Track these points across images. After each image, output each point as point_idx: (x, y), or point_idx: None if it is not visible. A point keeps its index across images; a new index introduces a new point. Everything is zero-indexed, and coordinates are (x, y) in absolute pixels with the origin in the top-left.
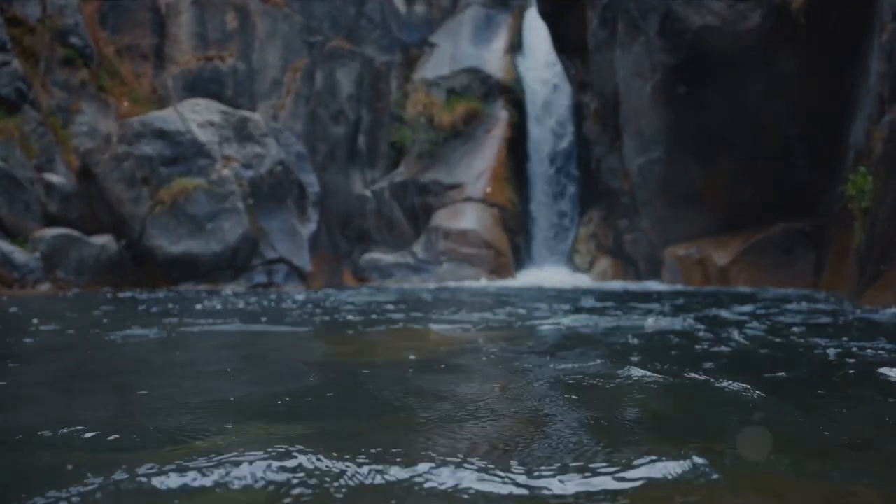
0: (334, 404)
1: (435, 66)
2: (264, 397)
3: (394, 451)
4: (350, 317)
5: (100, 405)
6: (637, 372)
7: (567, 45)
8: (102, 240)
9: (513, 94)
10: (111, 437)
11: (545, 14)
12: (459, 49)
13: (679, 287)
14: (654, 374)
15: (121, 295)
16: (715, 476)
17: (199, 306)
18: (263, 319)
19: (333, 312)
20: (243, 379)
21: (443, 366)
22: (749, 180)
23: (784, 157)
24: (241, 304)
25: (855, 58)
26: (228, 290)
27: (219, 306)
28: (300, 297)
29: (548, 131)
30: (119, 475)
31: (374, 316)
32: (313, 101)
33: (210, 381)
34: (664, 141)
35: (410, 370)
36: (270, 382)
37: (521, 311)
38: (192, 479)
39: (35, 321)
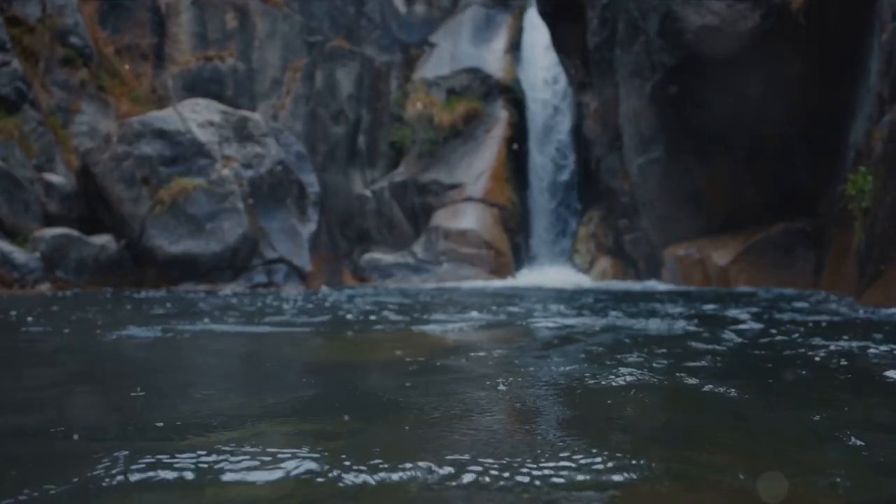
0: (333, 404)
1: (435, 65)
2: (262, 397)
3: (391, 448)
4: (349, 316)
5: (97, 405)
6: (629, 374)
7: (567, 45)
8: (102, 240)
9: (513, 93)
10: (108, 435)
11: (545, 14)
12: (459, 49)
13: (679, 287)
14: (647, 376)
15: (120, 295)
16: (688, 482)
17: (198, 306)
18: (262, 320)
19: (333, 313)
20: (240, 379)
21: (439, 365)
22: (749, 180)
23: (784, 157)
24: (240, 305)
25: (855, 57)
26: (228, 290)
27: (218, 306)
28: (300, 298)
29: (548, 160)
30: (118, 470)
31: (373, 316)
32: (313, 101)
33: (207, 382)
34: (664, 141)
35: (407, 371)
36: (269, 382)
37: (520, 310)
38: (193, 474)
39: (30, 320)
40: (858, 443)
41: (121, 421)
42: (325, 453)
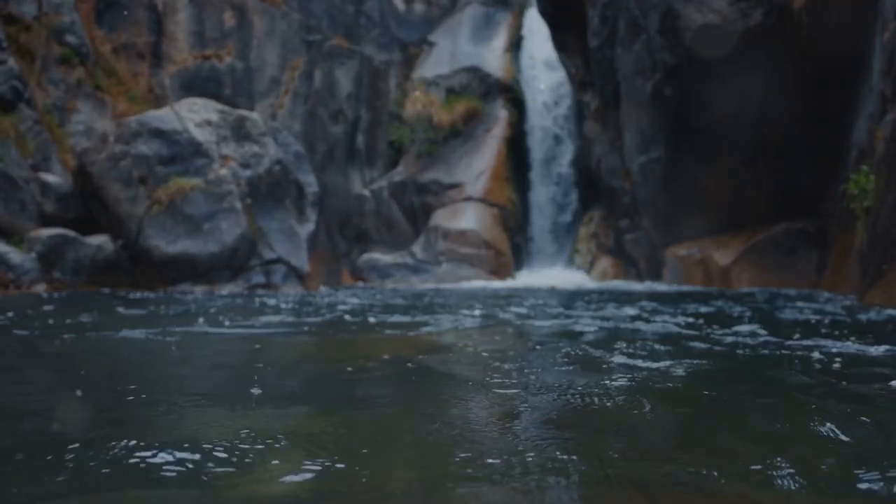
0: (329, 406)
1: (434, 64)
2: (257, 399)
3: (385, 449)
4: (347, 317)
5: (88, 408)
6: (627, 376)
7: (567, 44)
8: (99, 240)
9: (512, 92)
10: (99, 437)
11: (545, 13)
12: (459, 48)
13: (680, 287)
14: (644, 378)
15: (117, 295)
16: (682, 485)
17: (195, 308)
18: (260, 321)
19: (330, 313)
20: (234, 382)
21: (437, 367)
22: (751, 180)
23: (786, 156)
24: (238, 306)
25: (857, 56)
26: (226, 290)
27: (215, 308)
28: (298, 298)
29: (549, 194)
30: (109, 471)
31: (371, 318)
32: (312, 100)
33: (200, 385)
34: (665, 140)
35: (405, 373)
36: (264, 385)
37: (519, 312)
38: (186, 475)
39: (21, 321)
40: (852, 441)
41: (113, 424)
42: (320, 454)
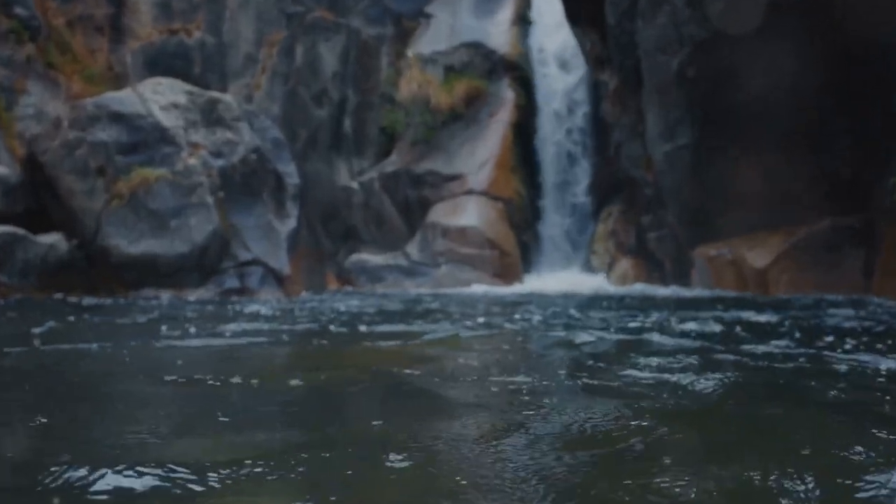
0: (305, 422)
1: (431, 39)
2: (224, 423)
3: (366, 467)
4: (332, 327)
5: (37, 430)
6: (640, 394)
7: (582, 16)
8: (51, 238)
9: (520, 71)
10: (50, 462)
11: None
12: (459, 21)
13: (711, 292)
14: (658, 397)
15: (72, 302)
16: None
17: (159, 316)
18: (231, 331)
19: (312, 323)
20: (200, 402)
21: (428, 388)
22: (789, 169)
23: (826, 142)
24: (208, 313)
25: None
26: (195, 296)
27: (182, 316)
28: (276, 305)
29: (563, 226)
30: (65, 494)
31: (358, 327)
32: (292, 80)
33: (161, 406)
34: (692, 124)
35: (388, 392)
36: (231, 405)
37: (525, 320)
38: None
39: None
40: (888, 466)
41: (64, 449)
42: (300, 477)
